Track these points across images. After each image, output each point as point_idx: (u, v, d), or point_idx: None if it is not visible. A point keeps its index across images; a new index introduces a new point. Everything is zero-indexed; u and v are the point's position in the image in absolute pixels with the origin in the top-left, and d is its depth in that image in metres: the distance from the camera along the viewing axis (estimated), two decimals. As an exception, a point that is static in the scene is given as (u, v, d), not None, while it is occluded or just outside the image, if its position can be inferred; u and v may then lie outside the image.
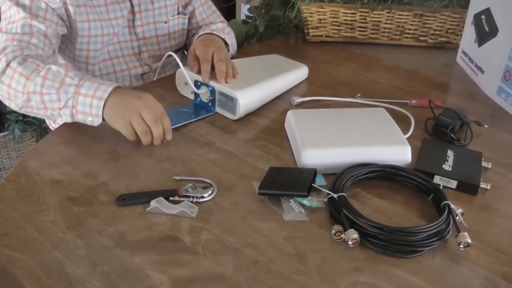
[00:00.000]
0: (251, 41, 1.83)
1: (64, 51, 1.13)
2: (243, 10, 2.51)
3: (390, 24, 1.44)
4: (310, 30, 1.47)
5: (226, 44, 1.19)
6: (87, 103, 0.88)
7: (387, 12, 1.41)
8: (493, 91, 1.17)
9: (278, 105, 1.10)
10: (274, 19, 1.77)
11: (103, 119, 0.89)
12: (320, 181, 0.82)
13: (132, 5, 1.13)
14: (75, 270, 0.65)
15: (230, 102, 1.00)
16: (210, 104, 1.05)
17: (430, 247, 0.70)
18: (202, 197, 0.78)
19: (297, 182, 0.79)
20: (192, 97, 1.08)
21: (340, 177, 0.80)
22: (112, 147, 0.91)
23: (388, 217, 0.77)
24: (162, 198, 0.77)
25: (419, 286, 0.65)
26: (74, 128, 0.96)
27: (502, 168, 0.90)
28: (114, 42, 1.15)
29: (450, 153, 0.89)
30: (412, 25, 1.43)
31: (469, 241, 0.69)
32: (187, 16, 1.25)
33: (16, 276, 0.64)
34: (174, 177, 0.83)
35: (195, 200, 0.77)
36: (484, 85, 1.22)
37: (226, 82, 1.01)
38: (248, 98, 1.01)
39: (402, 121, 0.99)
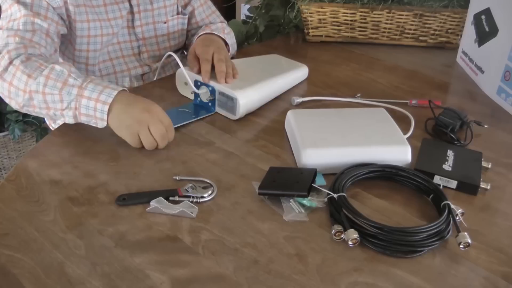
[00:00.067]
0: (251, 41, 1.83)
1: (64, 52, 1.13)
2: (243, 10, 2.51)
3: (390, 24, 1.44)
4: (310, 30, 1.47)
5: (226, 44, 1.19)
6: (90, 107, 0.87)
7: (387, 12, 1.41)
8: (493, 91, 1.17)
9: (278, 105, 1.10)
10: (274, 19, 1.77)
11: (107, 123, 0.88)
12: (320, 181, 0.82)
13: (131, 6, 1.13)
14: (75, 270, 0.65)
15: (230, 102, 1.01)
16: (210, 104, 1.05)
17: (430, 247, 0.70)
18: (202, 197, 0.78)
19: (297, 182, 0.79)
20: (192, 97, 1.08)
21: (340, 177, 0.80)
22: (112, 147, 0.91)
23: (388, 217, 0.77)
24: (162, 198, 0.77)
25: (419, 286, 0.65)
26: (74, 128, 0.96)
27: (502, 168, 0.90)
28: (113, 43, 1.15)
29: (450, 153, 0.89)
30: (412, 25, 1.43)
31: (469, 241, 0.69)
32: (187, 16, 1.25)
33: (16, 276, 0.64)
34: (174, 177, 0.83)
35: (195, 200, 0.78)
36: (484, 85, 1.22)
37: (226, 82, 1.01)
38: (248, 98, 1.01)
39: (402, 121, 0.99)
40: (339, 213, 0.74)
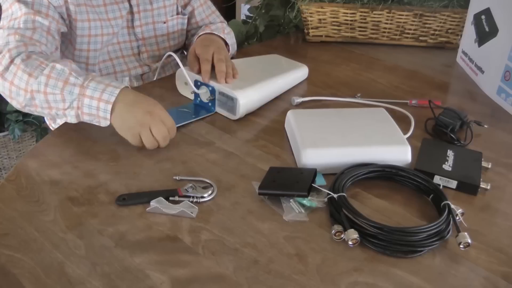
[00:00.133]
0: (251, 41, 1.83)
1: (64, 52, 1.13)
2: (243, 10, 2.51)
3: (390, 24, 1.44)
4: (310, 30, 1.47)
5: (226, 44, 1.19)
6: (93, 106, 0.86)
7: (387, 12, 1.41)
8: (493, 91, 1.17)
9: (278, 105, 1.10)
10: (274, 19, 1.78)
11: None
12: (320, 181, 0.82)
13: (130, 6, 1.13)
14: (75, 270, 0.65)
15: (230, 102, 1.01)
16: (210, 104, 1.05)
17: (430, 247, 0.70)
18: (202, 197, 0.78)
19: (297, 182, 0.79)
20: (192, 97, 1.08)
21: (340, 177, 0.80)
22: (112, 147, 0.91)
23: (388, 217, 0.77)
24: (162, 198, 0.77)
25: (419, 286, 0.65)
26: (74, 128, 0.96)
27: (502, 168, 0.90)
28: (113, 43, 1.15)
29: (450, 153, 0.89)
30: (412, 25, 1.43)
31: (469, 241, 0.69)
32: (186, 16, 1.25)
33: (16, 276, 0.64)
34: (174, 177, 0.83)
35: (195, 200, 0.78)
36: (484, 85, 1.22)
37: (226, 82, 1.01)
38: (248, 98, 1.01)
39: (402, 121, 0.99)
40: (339, 213, 0.74)
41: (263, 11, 1.79)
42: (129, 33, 1.16)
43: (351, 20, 1.44)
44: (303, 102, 1.11)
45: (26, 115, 1.92)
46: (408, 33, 1.45)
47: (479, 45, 1.26)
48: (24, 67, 0.88)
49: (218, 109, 1.04)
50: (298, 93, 1.14)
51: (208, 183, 0.82)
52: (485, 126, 1.02)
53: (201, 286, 0.64)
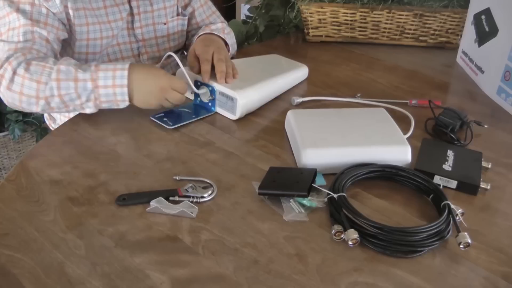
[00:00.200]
0: (251, 41, 1.83)
1: (63, 55, 1.13)
2: (243, 10, 2.51)
3: (390, 24, 1.44)
4: (310, 30, 1.47)
5: (226, 44, 1.19)
6: (110, 93, 0.92)
7: (387, 12, 1.41)
8: (493, 91, 1.17)
9: (278, 105, 1.10)
10: (274, 19, 1.78)
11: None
12: (320, 181, 0.82)
13: (131, 7, 1.12)
14: (75, 270, 0.65)
15: (230, 102, 1.01)
16: (210, 104, 1.05)
17: (430, 247, 0.70)
18: (202, 197, 0.78)
19: (297, 182, 0.79)
20: (192, 97, 1.07)
21: (340, 177, 0.80)
22: (112, 147, 0.91)
23: (388, 217, 0.77)
24: (162, 198, 0.77)
25: (419, 286, 0.65)
26: (74, 128, 0.96)
27: (502, 168, 0.90)
28: (113, 44, 1.15)
29: (450, 153, 0.89)
30: (412, 25, 1.43)
31: (469, 241, 0.69)
32: (187, 17, 1.25)
33: (16, 276, 0.64)
34: (174, 177, 0.83)
35: (195, 200, 0.78)
36: (484, 85, 1.22)
37: (226, 82, 1.01)
38: (248, 98, 1.01)
39: (402, 121, 0.99)
40: (339, 213, 0.74)
41: (263, 11, 1.79)
42: (129, 34, 1.16)
43: (351, 20, 1.44)
44: (303, 102, 1.11)
45: (26, 115, 1.93)
46: (408, 33, 1.45)
47: (479, 45, 1.26)
48: (29, 75, 0.91)
49: (218, 109, 1.04)
50: (298, 93, 1.14)
51: (208, 183, 0.82)
52: (485, 126, 1.02)
53: (201, 286, 0.64)
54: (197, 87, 1.05)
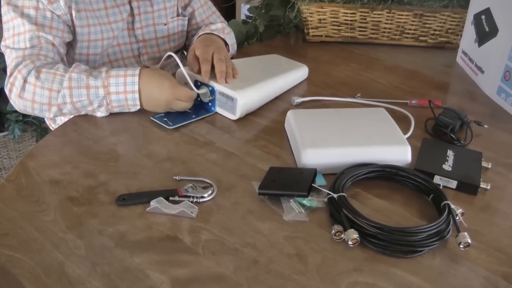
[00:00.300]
0: (251, 41, 1.83)
1: (65, 56, 1.13)
2: (243, 10, 2.51)
3: (390, 24, 1.44)
4: (310, 30, 1.47)
5: (226, 44, 1.19)
6: (121, 99, 0.96)
7: (387, 12, 1.41)
8: (493, 91, 1.17)
9: (278, 105, 1.10)
10: (274, 19, 1.77)
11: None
12: (320, 181, 0.82)
13: (131, 8, 1.13)
14: (75, 270, 0.65)
15: (230, 102, 1.00)
16: (210, 104, 1.05)
17: (430, 247, 0.70)
18: (202, 197, 0.78)
19: (297, 182, 0.79)
20: (192, 97, 1.07)
21: (340, 177, 0.80)
22: (112, 147, 0.91)
23: (388, 217, 0.77)
24: (162, 198, 0.77)
25: (419, 286, 0.65)
26: (74, 128, 0.96)
27: (502, 168, 0.90)
28: (114, 45, 1.15)
29: (450, 153, 0.89)
30: (412, 25, 1.43)
31: (469, 241, 0.69)
32: (187, 17, 1.25)
33: (16, 276, 0.64)
34: (174, 177, 0.83)
35: (195, 200, 0.78)
36: (484, 85, 1.22)
37: (226, 82, 1.01)
38: (248, 98, 1.01)
39: (402, 121, 0.99)
40: (339, 213, 0.74)
41: (263, 11, 1.79)
42: (130, 35, 1.16)
43: (351, 20, 1.44)
44: (303, 102, 1.10)
45: (26, 115, 1.92)
46: (408, 33, 1.45)
47: (479, 45, 1.26)
48: (40, 83, 0.94)
49: (218, 109, 1.04)
50: (298, 93, 1.14)
51: (208, 183, 0.82)
52: (485, 126, 1.02)
53: (201, 286, 0.64)
54: (197, 87, 1.05)
